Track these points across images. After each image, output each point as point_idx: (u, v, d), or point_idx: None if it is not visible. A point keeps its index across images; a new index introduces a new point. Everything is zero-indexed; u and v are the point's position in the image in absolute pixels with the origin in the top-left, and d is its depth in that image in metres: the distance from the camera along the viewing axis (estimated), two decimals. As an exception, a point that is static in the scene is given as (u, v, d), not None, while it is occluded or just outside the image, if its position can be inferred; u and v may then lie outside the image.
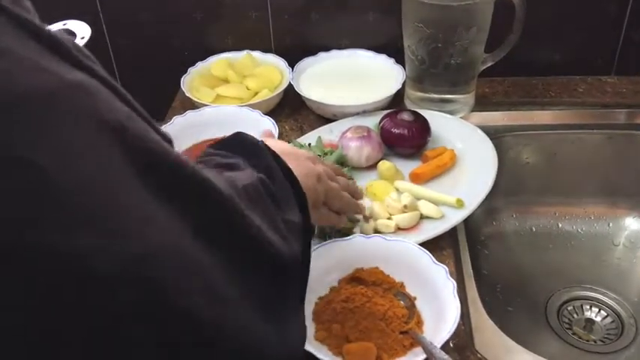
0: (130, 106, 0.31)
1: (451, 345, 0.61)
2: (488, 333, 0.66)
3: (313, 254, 0.65)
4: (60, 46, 0.29)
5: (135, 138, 0.30)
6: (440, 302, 0.61)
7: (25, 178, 0.25)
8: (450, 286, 0.61)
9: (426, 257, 0.64)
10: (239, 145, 0.50)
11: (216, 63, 0.99)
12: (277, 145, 0.53)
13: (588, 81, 0.98)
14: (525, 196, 0.96)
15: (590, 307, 0.87)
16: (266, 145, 0.50)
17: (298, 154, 0.58)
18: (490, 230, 0.95)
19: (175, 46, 1.01)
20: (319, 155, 0.80)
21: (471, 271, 0.73)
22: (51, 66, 0.28)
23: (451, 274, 0.63)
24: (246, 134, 0.52)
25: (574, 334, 0.84)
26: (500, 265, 0.91)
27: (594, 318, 0.86)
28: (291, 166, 0.50)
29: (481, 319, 0.67)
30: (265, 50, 1.00)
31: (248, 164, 0.47)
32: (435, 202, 0.74)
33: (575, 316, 0.86)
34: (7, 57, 0.26)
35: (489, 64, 0.90)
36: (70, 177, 0.26)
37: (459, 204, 0.73)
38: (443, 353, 0.54)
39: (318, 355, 0.56)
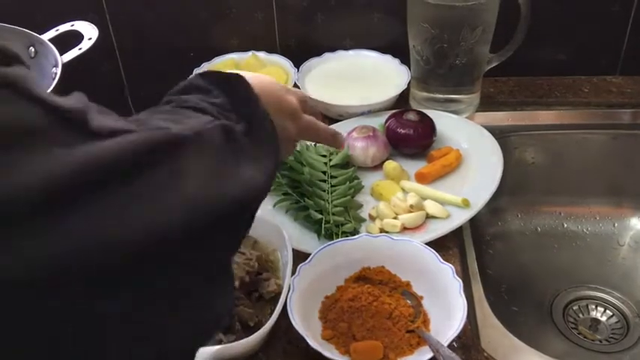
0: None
1: (457, 344, 0.62)
2: (494, 332, 0.66)
3: (321, 254, 0.66)
4: None
5: None
6: (446, 301, 0.62)
7: None
8: (456, 285, 0.61)
9: (432, 256, 0.65)
10: (227, 85, 0.47)
11: (222, 63, 0.99)
12: (254, 78, 0.50)
13: (593, 81, 0.98)
14: (530, 195, 0.96)
15: (596, 306, 0.87)
16: (257, 96, 0.47)
17: (274, 88, 0.55)
18: (495, 230, 0.95)
19: (181, 47, 1.02)
20: (324, 155, 0.81)
21: (477, 270, 0.73)
22: None
23: (457, 274, 0.63)
24: (223, 72, 0.49)
25: (579, 333, 0.84)
26: (505, 264, 0.91)
27: (600, 318, 0.86)
28: (270, 106, 0.48)
29: (487, 318, 0.67)
30: (271, 51, 1.00)
31: (219, 107, 0.44)
32: (441, 202, 0.74)
33: (580, 315, 0.86)
34: None
35: (495, 64, 0.90)
36: None
37: (465, 204, 0.73)
38: (450, 351, 0.54)
39: (326, 354, 0.56)
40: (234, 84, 0.47)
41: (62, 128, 0.29)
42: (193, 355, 0.37)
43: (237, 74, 0.48)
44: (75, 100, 0.31)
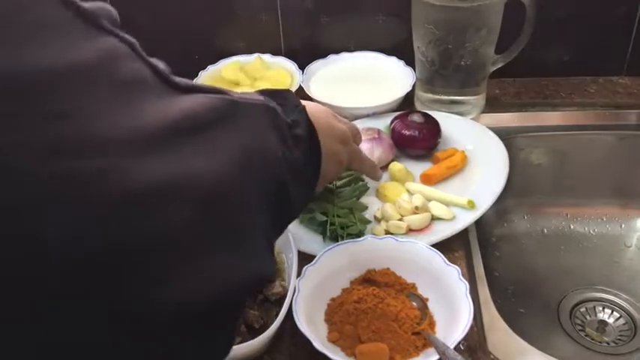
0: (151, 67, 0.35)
1: (463, 347, 0.61)
2: (500, 334, 0.65)
3: (326, 255, 0.66)
4: (88, 14, 0.32)
5: None
6: (452, 303, 0.62)
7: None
8: (462, 287, 0.61)
9: (437, 258, 0.64)
10: (284, 101, 0.51)
11: (227, 66, 0.99)
12: (310, 106, 0.55)
13: (599, 82, 0.98)
14: (536, 197, 0.96)
15: (603, 308, 0.87)
16: (304, 109, 0.52)
17: (326, 114, 0.60)
18: (501, 232, 0.95)
19: (186, 50, 1.02)
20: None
21: (483, 272, 0.73)
22: (86, 35, 0.31)
23: (463, 276, 0.63)
24: (291, 93, 0.55)
25: (587, 335, 0.83)
26: (511, 266, 0.90)
27: (607, 319, 0.85)
28: (321, 128, 0.52)
29: (493, 320, 0.67)
30: (275, 53, 1.01)
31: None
32: (447, 204, 0.74)
33: (587, 317, 0.86)
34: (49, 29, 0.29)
35: (500, 65, 0.90)
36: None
37: (471, 205, 0.73)
38: (456, 354, 0.54)
39: (332, 357, 0.56)
40: (283, 94, 0.52)
41: (162, 84, 0.35)
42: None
43: (288, 90, 0.56)
44: (160, 63, 0.37)
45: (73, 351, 0.28)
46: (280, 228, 0.47)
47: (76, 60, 0.30)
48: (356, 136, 0.67)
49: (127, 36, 0.34)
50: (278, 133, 0.45)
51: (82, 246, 0.27)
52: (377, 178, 0.74)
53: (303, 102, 0.54)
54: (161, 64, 0.37)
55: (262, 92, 0.50)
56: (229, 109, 0.39)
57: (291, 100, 0.52)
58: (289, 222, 0.50)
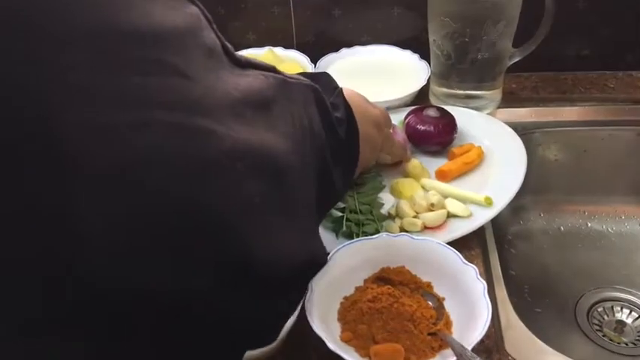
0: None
1: (480, 347, 0.60)
2: (518, 335, 0.64)
3: (339, 253, 0.64)
4: None
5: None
6: (469, 303, 0.60)
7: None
8: (480, 286, 0.59)
9: (454, 257, 0.63)
10: (324, 84, 0.52)
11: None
12: (346, 90, 0.56)
13: (619, 76, 0.96)
14: (553, 194, 0.94)
15: (621, 308, 0.85)
16: (342, 92, 0.53)
17: (362, 100, 0.61)
18: (517, 229, 0.93)
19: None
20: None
21: (500, 271, 0.71)
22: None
23: (480, 275, 0.61)
24: (329, 76, 0.56)
25: (604, 336, 0.81)
26: (527, 265, 0.89)
27: (625, 320, 0.84)
28: (357, 112, 0.53)
29: (511, 320, 0.65)
30: (287, 46, 0.99)
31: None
32: (463, 201, 0.72)
33: (605, 317, 0.84)
34: None
35: (517, 59, 0.87)
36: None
37: (488, 202, 0.71)
38: (474, 356, 0.52)
39: (346, 357, 0.55)
40: (322, 77, 0.54)
41: (228, 57, 0.37)
42: None
43: (326, 72, 0.56)
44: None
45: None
46: (324, 213, 0.48)
47: (177, 22, 0.31)
48: (387, 120, 0.68)
49: (202, 7, 0.36)
50: (322, 115, 0.46)
51: (181, 200, 0.28)
52: (408, 159, 0.76)
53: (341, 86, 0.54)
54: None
55: (303, 75, 0.51)
56: (284, 88, 0.41)
57: (330, 82, 0.53)
58: (331, 207, 0.51)
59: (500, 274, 0.70)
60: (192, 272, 0.29)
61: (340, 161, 0.47)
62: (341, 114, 0.50)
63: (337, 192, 0.51)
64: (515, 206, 0.90)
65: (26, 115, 0.25)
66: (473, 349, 0.55)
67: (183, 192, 0.28)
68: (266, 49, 0.98)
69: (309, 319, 0.58)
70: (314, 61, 0.95)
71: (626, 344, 0.80)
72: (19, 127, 0.25)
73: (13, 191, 0.25)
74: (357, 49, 0.98)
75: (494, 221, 0.76)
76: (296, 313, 0.58)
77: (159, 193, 0.27)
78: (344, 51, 0.97)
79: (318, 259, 0.41)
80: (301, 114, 0.42)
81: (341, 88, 0.53)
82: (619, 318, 0.84)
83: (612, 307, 0.85)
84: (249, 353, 0.56)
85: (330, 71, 0.94)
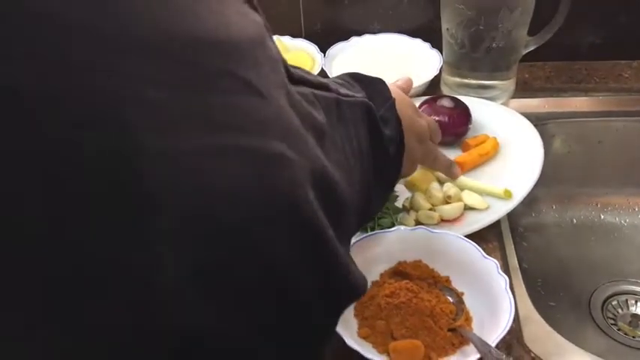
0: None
1: (499, 342, 0.58)
2: (537, 330, 0.62)
3: (355, 246, 0.63)
4: None
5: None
6: (490, 298, 0.58)
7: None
8: (501, 281, 0.58)
9: (474, 251, 0.61)
10: (377, 93, 0.50)
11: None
12: (398, 99, 0.53)
13: (634, 66, 0.94)
14: (566, 186, 0.92)
15: (636, 301, 0.84)
16: (394, 105, 0.50)
17: (410, 109, 0.58)
18: (529, 222, 0.91)
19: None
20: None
21: (517, 264, 0.70)
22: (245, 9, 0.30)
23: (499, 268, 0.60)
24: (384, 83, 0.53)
25: (619, 329, 0.80)
26: (540, 258, 0.87)
27: (640, 313, 0.83)
28: (404, 124, 0.51)
29: (530, 315, 0.64)
30: (295, 35, 0.97)
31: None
32: (481, 193, 0.71)
33: (619, 311, 0.83)
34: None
35: (532, 48, 0.86)
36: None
37: (507, 195, 0.70)
38: (499, 352, 0.51)
39: (364, 354, 0.53)
40: (375, 83, 0.51)
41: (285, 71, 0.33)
42: None
43: (380, 79, 0.53)
44: None
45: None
46: (358, 229, 0.46)
47: (249, 32, 0.28)
48: (434, 132, 0.64)
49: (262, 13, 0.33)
50: (372, 133, 0.44)
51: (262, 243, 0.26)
52: (454, 177, 0.71)
53: (393, 93, 0.52)
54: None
55: (356, 79, 0.49)
56: (336, 109, 0.39)
57: (383, 92, 0.50)
58: (366, 223, 0.50)
59: (518, 267, 0.69)
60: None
61: (382, 179, 0.46)
62: (390, 130, 0.48)
63: (374, 208, 0.49)
64: (528, 198, 0.87)
65: (101, 144, 0.20)
66: (495, 346, 0.54)
67: (262, 232, 0.25)
68: (274, 37, 0.96)
69: (326, 314, 0.56)
70: (323, 50, 0.93)
71: (642, 338, 0.79)
72: (93, 162, 0.20)
73: (79, 250, 0.21)
74: (367, 38, 0.95)
75: (507, 214, 0.74)
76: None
77: (242, 233, 0.24)
78: (354, 40, 0.95)
79: (360, 290, 0.39)
80: (351, 136, 0.40)
81: (394, 99, 0.50)
82: (634, 311, 0.83)
83: (627, 300, 0.84)
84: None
85: (339, 60, 0.93)
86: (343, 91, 0.43)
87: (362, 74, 0.52)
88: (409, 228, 0.65)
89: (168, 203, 0.22)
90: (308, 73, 0.39)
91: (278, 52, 0.32)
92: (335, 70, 0.91)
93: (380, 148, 0.45)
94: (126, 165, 0.21)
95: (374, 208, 0.49)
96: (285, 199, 0.26)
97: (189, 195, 0.22)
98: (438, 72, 0.88)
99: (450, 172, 0.70)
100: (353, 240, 0.63)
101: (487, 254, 0.62)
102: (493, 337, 0.54)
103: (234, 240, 0.24)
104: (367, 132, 0.43)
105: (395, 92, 0.52)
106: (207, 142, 0.23)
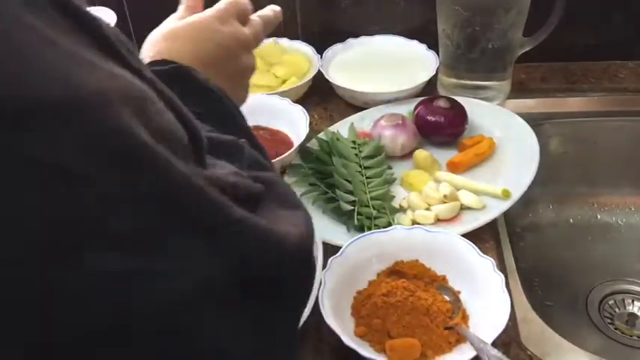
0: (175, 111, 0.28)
1: (496, 341, 0.58)
2: (534, 329, 0.63)
3: (352, 246, 0.63)
4: (109, 43, 0.25)
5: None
6: (486, 297, 0.59)
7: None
8: (497, 279, 0.58)
9: (470, 250, 0.62)
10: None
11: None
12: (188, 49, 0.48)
13: (629, 66, 0.95)
14: (562, 186, 0.93)
15: (632, 301, 0.84)
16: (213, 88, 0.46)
17: (210, 37, 0.51)
18: (526, 222, 0.92)
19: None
20: (353, 147, 0.77)
21: (513, 263, 0.70)
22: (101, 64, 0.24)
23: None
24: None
25: (616, 328, 0.80)
26: (537, 257, 0.88)
27: (637, 312, 0.83)
28: (216, 71, 0.47)
29: (527, 314, 0.64)
30: (293, 37, 0.97)
31: None
32: (479, 193, 0.71)
33: (616, 310, 0.83)
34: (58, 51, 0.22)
35: (528, 49, 0.86)
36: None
37: (506, 194, 0.70)
38: (495, 350, 0.51)
39: (361, 352, 0.54)
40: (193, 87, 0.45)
41: (195, 153, 0.29)
42: None
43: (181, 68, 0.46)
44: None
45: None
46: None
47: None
48: (241, 7, 0.56)
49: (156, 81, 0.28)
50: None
51: None
52: (279, 16, 0.63)
53: (183, 49, 0.47)
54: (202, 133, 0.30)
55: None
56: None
57: (199, 86, 0.45)
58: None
59: (514, 266, 0.69)
60: None
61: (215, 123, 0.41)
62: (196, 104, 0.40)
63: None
64: (524, 198, 0.87)
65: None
66: (491, 344, 0.54)
67: None
68: (270, 40, 0.97)
69: (322, 313, 0.56)
70: (320, 52, 0.93)
71: (638, 337, 0.79)
72: None
73: None
74: (364, 40, 0.96)
75: (504, 214, 0.75)
76: (309, 307, 0.57)
77: None
78: (350, 41, 0.96)
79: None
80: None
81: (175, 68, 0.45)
82: (630, 311, 0.83)
83: (623, 299, 0.84)
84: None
85: (336, 62, 0.93)
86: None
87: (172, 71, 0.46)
88: (406, 228, 0.65)
89: None
90: None
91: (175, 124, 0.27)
92: (332, 72, 0.91)
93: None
94: None
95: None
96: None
97: None
98: (434, 73, 0.88)
99: (278, 16, 0.62)
100: (351, 241, 0.63)
101: (484, 254, 0.62)
102: (489, 335, 0.54)
103: None
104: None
105: (178, 48, 0.47)
106: None
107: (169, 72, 0.45)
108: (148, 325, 0.24)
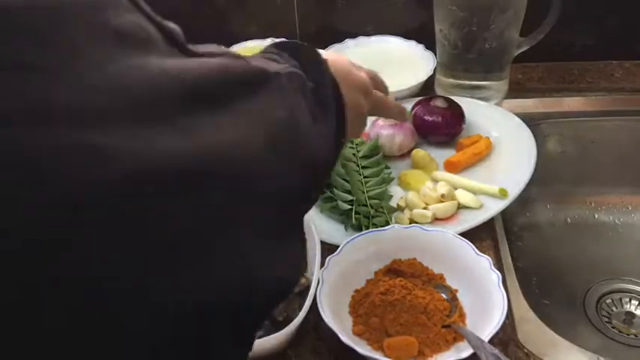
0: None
1: (494, 340, 0.59)
2: (532, 327, 0.63)
3: (350, 245, 0.63)
4: None
5: None
6: (483, 294, 0.59)
7: None
8: (494, 277, 0.58)
9: (467, 248, 0.62)
10: (298, 51, 0.45)
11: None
12: (330, 58, 0.49)
13: (625, 66, 0.95)
14: (560, 185, 0.93)
15: (630, 299, 0.84)
16: (326, 65, 0.46)
17: (344, 62, 0.54)
18: (524, 221, 0.92)
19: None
20: (351, 147, 0.78)
21: (511, 262, 0.70)
22: None
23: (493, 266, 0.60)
24: (308, 46, 0.48)
25: (614, 327, 0.81)
26: (534, 257, 0.88)
27: (634, 311, 0.83)
28: (341, 81, 0.47)
29: (524, 312, 0.64)
30: (290, 37, 0.97)
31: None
32: (477, 192, 0.71)
33: (614, 309, 0.83)
34: None
35: (525, 49, 0.86)
36: None
37: (503, 194, 0.70)
38: (492, 348, 0.51)
39: (359, 350, 0.54)
40: (304, 49, 0.46)
41: (167, 44, 0.29)
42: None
43: (306, 44, 0.48)
44: (174, 26, 0.32)
45: None
46: (310, 202, 0.41)
47: None
48: (378, 82, 0.62)
49: None
50: (306, 101, 0.40)
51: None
52: (405, 119, 0.72)
53: (322, 53, 0.47)
54: (174, 26, 0.31)
55: (278, 47, 0.45)
56: (257, 77, 0.34)
57: (311, 54, 0.46)
58: (318, 194, 0.45)
59: (512, 265, 0.69)
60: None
61: (327, 143, 0.42)
62: (326, 92, 0.44)
63: (325, 174, 0.45)
64: (522, 198, 0.88)
65: None
66: (488, 341, 0.54)
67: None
68: (268, 40, 0.97)
69: (321, 312, 0.57)
70: (317, 52, 0.94)
71: (635, 335, 0.80)
72: None
73: None
74: (362, 40, 0.96)
75: (502, 213, 0.75)
76: (307, 306, 0.57)
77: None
78: (348, 42, 0.96)
79: (293, 282, 0.35)
80: (280, 105, 0.35)
81: (324, 59, 0.46)
82: (628, 309, 0.83)
83: (621, 298, 0.84)
84: (259, 347, 0.55)
85: (334, 62, 0.94)
86: (267, 62, 0.39)
87: (288, 42, 0.47)
88: (403, 226, 0.65)
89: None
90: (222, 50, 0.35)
91: (139, 22, 0.28)
92: (330, 72, 0.91)
93: (315, 114, 0.40)
94: None
95: (325, 173, 0.45)
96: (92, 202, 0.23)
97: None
98: (432, 73, 0.89)
99: (402, 116, 0.67)
100: (349, 239, 0.64)
101: (481, 252, 0.62)
102: (486, 333, 0.54)
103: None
104: (299, 99, 0.39)
105: (326, 53, 0.49)
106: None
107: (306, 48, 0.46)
108: None
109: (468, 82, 0.87)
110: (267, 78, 0.35)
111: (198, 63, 0.30)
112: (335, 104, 0.45)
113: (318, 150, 0.39)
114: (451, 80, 0.88)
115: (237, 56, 0.35)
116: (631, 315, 0.82)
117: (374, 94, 0.58)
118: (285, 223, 0.34)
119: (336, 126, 0.44)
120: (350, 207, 0.69)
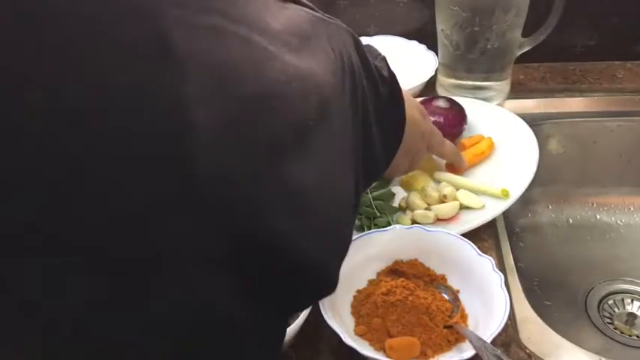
0: None
1: (496, 341, 0.59)
2: (534, 328, 0.63)
3: (352, 245, 0.63)
4: None
5: None
6: (485, 295, 0.59)
7: None
8: (496, 278, 0.58)
9: (469, 249, 0.62)
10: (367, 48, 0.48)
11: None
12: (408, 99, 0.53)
13: (627, 66, 0.95)
14: (562, 186, 0.93)
15: (632, 300, 0.84)
16: (387, 62, 0.49)
17: (415, 104, 0.57)
18: (525, 222, 0.92)
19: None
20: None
21: (513, 263, 0.70)
22: None
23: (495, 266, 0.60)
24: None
25: (615, 328, 0.81)
26: (536, 257, 0.88)
27: (636, 312, 0.83)
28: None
29: (526, 313, 0.64)
30: (292, 38, 0.98)
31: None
32: (478, 193, 0.71)
33: (616, 310, 0.83)
34: None
35: (527, 49, 0.86)
36: None
37: (505, 194, 0.70)
38: (495, 349, 0.51)
39: (361, 351, 0.54)
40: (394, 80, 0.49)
41: None
42: None
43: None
44: None
45: None
46: (368, 178, 0.43)
47: None
48: (438, 142, 0.66)
49: None
50: (362, 60, 0.42)
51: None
52: (463, 166, 0.73)
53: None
54: None
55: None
56: (323, 26, 0.38)
57: (374, 49, 0.49)
58: (371, 178, 0.47)
59: (514, 265, 0.69)
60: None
61: (381, 120, 0.43)
62: (385, 74, 0.46)
63: (376, 157, 0.44)
64: (524, 198, 0.88)
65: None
66: (490, 342, 0.54)
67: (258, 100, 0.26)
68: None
69: (322, 312, 0.57)
70: (319, 52, 0.94)
71: (637, 336, 0.79)
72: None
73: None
74: (364, 40, 0.96)
75: (503, 214, 0.75)
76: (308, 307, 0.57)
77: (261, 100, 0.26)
78: (349, 42, 0.96)
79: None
80: (342, 51, 0.38)
81: (384, 56, 0.50)
82: (630, 310, 0.83)
83: (623, 299, 0.84)
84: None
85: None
86: (330, 16, 0.43)
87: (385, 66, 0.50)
88: (405, 227, 0.65)
89: (198, 72, 0.23)
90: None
91: None
92: (331, 72, 0.91)
93: (372, 81, 0.43)
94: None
95: (377, 156, 0.44)
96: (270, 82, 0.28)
97: (213, 65, 0.24)
98: (433, 73, 0.89)
99: (460, 162, 0.71)
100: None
101: (483, 253, 0.62)
102: (488, 334, 0.54)
103: (256, 103, 0.26)
104: (355, 55, 0.41)
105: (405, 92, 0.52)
106: (206, 21, 0.25)
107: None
108: None
109: (469, 83, 0.87)
110: (327, 27, 0.39)
111: (287, 10, 0.35)
112: (392, 89, 0.47)
113: (368, 107, 0.41)
114: (453, 81, 0.88)
115: (303, 3, 0.39)
116: (633, 316, 0.82)
117: (431, 125, 0.62)
118: None
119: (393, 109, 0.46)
120: (352, 207, 0.69)
